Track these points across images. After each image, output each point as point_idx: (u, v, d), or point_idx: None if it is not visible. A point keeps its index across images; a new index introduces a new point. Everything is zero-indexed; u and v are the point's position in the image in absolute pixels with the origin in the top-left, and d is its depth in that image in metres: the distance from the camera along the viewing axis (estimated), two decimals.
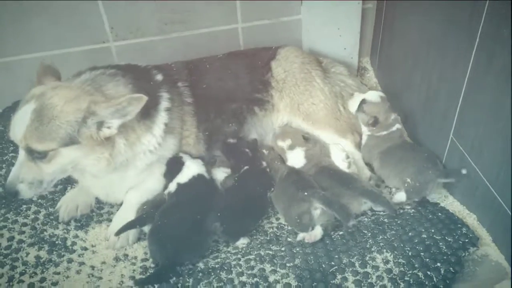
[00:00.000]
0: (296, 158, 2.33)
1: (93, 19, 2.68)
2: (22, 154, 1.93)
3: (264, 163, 2.36)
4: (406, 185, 2.17)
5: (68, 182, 2.34)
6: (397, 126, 2.39)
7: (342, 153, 2.32)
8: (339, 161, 2.30)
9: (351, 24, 2.88)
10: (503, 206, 1.84)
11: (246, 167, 2.29)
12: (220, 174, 2.31)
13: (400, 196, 2.21)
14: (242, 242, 2.07)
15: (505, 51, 1.70)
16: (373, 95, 2.44)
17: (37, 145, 1.87)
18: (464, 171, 2.08)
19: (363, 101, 2.42)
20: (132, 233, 2.09)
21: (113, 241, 2.07)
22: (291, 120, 2.54)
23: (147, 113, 2.08)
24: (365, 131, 2.45)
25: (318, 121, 2.49)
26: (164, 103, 2.17)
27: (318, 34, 2.89)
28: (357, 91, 2.61)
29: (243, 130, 2.50)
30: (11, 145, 2.49)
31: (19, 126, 1.87)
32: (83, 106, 1.86)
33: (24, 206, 2.20)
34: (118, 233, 2.03)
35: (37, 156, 1.89)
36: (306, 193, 2.03)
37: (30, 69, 2.71)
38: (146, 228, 2.06)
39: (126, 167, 2.10)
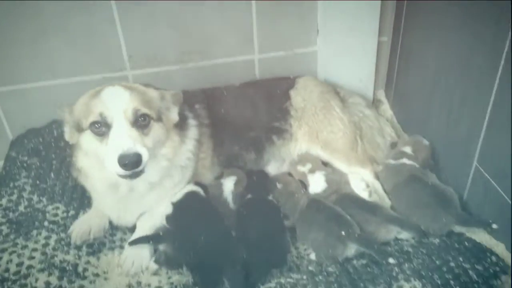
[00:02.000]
0: (317, 182, 2.27)
1: (111, 47, 2.70)
2: (124, 125, 1.90)
3: (271, 196, 2.25)
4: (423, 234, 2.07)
5: (81, 207, 2.28)
6: (406, 161, 2.33)
7: (361, 182, 2.28)
8: (360, 190, 2.26)
9: (366, 56, 2.88)
10: None
11: (249, 196, 2.22)
12: (229, 183, 2.26)
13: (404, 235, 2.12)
14: None
15: None
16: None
17: (145, 109, 1.94)
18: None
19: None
20: (146, 259, 2.02)
21: (127, 267, 1.99)
22: (309, 148, 2.52)
23: (180, 126, 2.15)
24: None
25: (337, 149, 2.46)
26: (191, 120, 2.21)
27: (333, 65, 2.90)
28: (375, 123, 2.65)
29: (262, 159, 2.49)
30: (24, 170, 2.45)
31: (120, 97, 1.94)
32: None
33: (35, 231, 2.13)
34: (132, 243, 2.01)
35: (141, 124, 1.93)
36: (343, 233, 1.94)
37: (45, 97, 2.75)
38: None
39: (166, 177, 2.12)
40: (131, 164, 1.82)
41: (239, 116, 2.42)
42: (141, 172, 1.88)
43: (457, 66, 2.22)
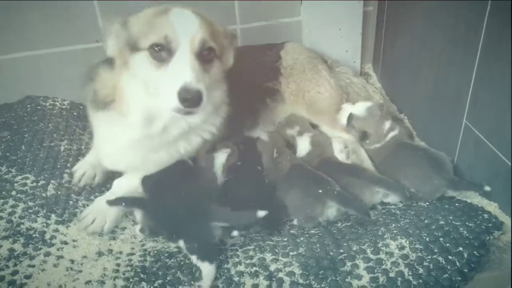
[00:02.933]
0: (303, 144, 2.18)
1: (86, 17, 2.59)
2: (188, 55, 1.70)
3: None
4: (408, 195, 1.95)
5: (52, 177, 2.16)
6: (392, 134, 2.18)
7: (340, 144, 2.17)
8: (337, 152, 2.15)
9: (352, 25, 2.80)
10: None
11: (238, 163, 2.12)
12: (222, 156, 2.14)
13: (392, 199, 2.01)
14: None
15: None
16: (359, 109, 2.26)
17: (212, 42, 1.77)
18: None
19: (350, 116, 2.26)
20: (109, 221, 1.91)
21: (86, 223, 1.90)
22: (294, 110, 2.45)
23: None
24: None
25: (322, 111, 2.39)
26: None
27: (318, 35, 2.81)
28: (362, 90, 2.56)
29: (257, 124, 2.44)
30: None
31: (190, 22, 1.74)
32: None
33: (1, 200, 2.00)
34: (111, 203, 1.88)
35: (205, 58, 1.76)
36: (320, 191, 1.85)
37: (22, 68, 2.65)
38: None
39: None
40: (193, 101, 1.63)
41: (235, 78, 2.24)
42: (195, 112, 1.72)
43: (443, 29, 2.15)
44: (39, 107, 2.65)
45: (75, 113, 2.66)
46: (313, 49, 2.83)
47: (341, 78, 2.56)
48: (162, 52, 1.72)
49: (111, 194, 2.00)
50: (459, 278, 1.55)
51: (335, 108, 2.37)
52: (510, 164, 1.74)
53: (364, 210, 1.81)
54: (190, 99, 1.63)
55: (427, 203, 1.94)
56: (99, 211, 1.92)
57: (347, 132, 2.29)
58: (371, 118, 2.22)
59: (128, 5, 2.54)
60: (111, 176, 2.17)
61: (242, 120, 2.35)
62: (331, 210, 1.86)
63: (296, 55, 2.52)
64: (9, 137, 2.40)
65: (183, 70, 1.67)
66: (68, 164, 2.26)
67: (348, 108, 2.30)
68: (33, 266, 1.71)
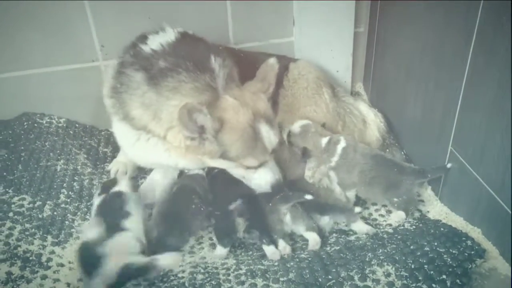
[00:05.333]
0: (340, 148, 2.28)
1: (83, 37, 2.64)
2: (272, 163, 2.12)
3: None
4: (396, 205, 2.13)
5: (48, 198, 2.20)
6: (341, 146, 2.25)
7: (311, 163, 2.25)
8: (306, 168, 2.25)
9: (343, 46, 2.86)
10: (510, 215, 1.73)
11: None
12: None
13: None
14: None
15: (503, 49, 1.65)
16: (295, 126, 2.37)
17: None
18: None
19: (288, 133, 2.37)
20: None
21: (113, 171, 2.44)
22: (284, 120, 2.49)
23: None
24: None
25: None
26: None
27: (310, 56, 2.85)
28: (360, 122, 2.63)
29: None
30: None
31: (274, 137, 2.06)
32: None
33: None
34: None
35: None
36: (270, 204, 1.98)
37: (15, 88, 2.68)
38: None
39: None
40: (280, 188, 2.10)
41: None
42: None
43: (430, 53, 2.21)
44: (35, 125, 2.68)
45: (71, 132, 2.70)
46: None
47: (341, 106, 2.60)
48: None
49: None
50: None
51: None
52: (492, 192, 1.80)
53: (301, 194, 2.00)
54: (278, 188, 2.02)
55: (414, 227, 2.02)
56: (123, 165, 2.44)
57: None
58: (305, 134, 2.32)
59: (123, 22, 2.63)
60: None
61: None
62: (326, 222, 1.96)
63: (304, 72, 2.58)
64: (6, 155, 2.43)
65: (269, 173, 2.05)
66: (64, 184, 2.30)
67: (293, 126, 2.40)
68: None
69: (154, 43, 2.06)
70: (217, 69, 2.00)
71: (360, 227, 2.07)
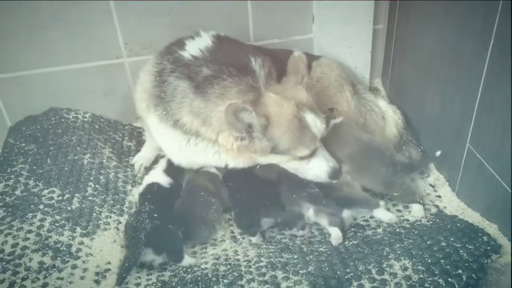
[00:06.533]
0: None
1: (107, 35, 2.72)
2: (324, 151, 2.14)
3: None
4: (398, 199, 2.23)
5: (76, 191, 2.29)
6: (334, 121, 2.40)
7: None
8: None
9: (362, 43, 2.89)
10: None
11: None
12: None
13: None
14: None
15: None
16: None
17: None
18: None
19: None
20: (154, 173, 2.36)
21: (136, 166, 2.55)
22: None
23: None
24: None
25: None
26: None
27: (329, 52, 2.89)
28: (381, 120, 2.66)
29: None
30: (21, 156, 2.47)
31: (321, 125, 2.09)
32: None
33: (30, 214, 2.14)
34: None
35: None
36: (294, 196, 2.06)
37: (43, 84, 2.78)
38: None
39: None
40: (337, 174, 2.14)
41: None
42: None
43: (449, 51, 2.23)
44: (62, 120, 2.77)
45: (96, 126, 2.79)
46: None
47: (363, 104, 2.63)
48: None
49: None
50: None
51: None
52: (509, 189, 1.84)
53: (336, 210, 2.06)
54: (336, 175, 2.09)
55: (431, 222, 2.07)
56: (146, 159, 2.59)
57: None
58: None
59: (145, 21, 2.70)
60: None
61: None
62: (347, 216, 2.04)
63: (327, 70, 2.60)
64: (35, 150, 2.53)
65: (323, 161, 2.09)
66: (91, 177, 2.39)
67: None
68: (62, 278, 1.86)
69: (192, 49, 2.11)
70: (258, 70, 2.05)
71: (382, 214, 2.12)
